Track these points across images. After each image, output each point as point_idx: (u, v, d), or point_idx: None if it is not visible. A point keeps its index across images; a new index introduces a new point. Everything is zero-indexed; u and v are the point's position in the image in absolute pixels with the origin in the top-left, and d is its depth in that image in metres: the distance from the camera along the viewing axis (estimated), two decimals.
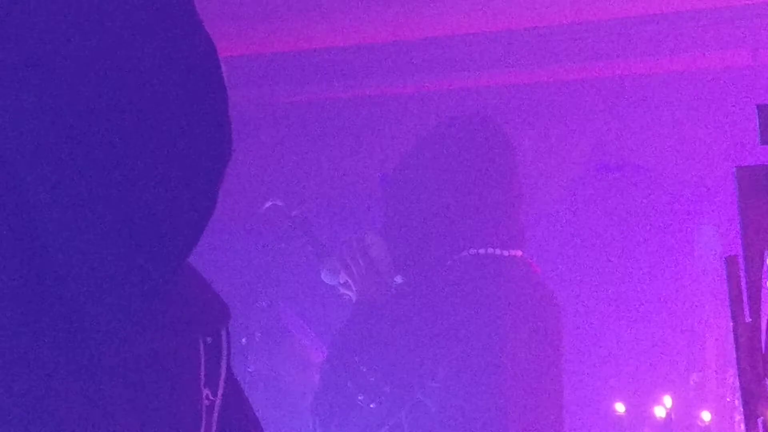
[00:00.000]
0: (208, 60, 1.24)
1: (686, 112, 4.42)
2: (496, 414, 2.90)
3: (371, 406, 2.99)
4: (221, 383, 1.40)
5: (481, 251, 3.04)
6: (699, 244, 4.36)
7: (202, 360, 1.38)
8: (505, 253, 3.05)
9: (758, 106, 1.64)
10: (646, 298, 4.46)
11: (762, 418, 1.58)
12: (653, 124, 4.49)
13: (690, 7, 3.98)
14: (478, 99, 4.45)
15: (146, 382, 1.30)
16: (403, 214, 3.11)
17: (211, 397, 1.38)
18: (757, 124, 1.63)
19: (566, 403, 3.10)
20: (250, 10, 3.95)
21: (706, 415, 4.06)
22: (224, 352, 1.42)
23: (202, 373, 1.38)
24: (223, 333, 1.43)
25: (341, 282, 3.17)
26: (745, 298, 1.59)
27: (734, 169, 1.63)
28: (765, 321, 1.59)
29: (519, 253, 3.07)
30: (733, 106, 4.20)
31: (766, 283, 1.60)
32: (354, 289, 3.13)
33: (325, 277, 3.21)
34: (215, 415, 1.39)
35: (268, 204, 3.47)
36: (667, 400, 4.10)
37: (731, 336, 1.61)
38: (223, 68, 1.26)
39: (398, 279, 3.13)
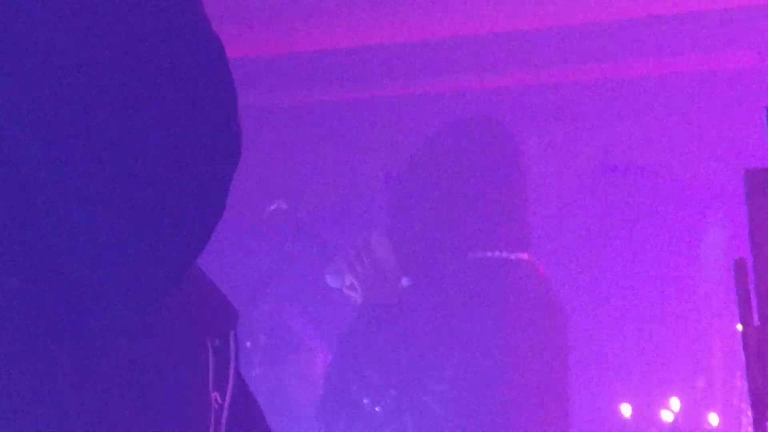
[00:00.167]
0: (217, 62, 1.24)
1: (694, 114, 4.41)
2: (502, 417, 2.90)
3: (376, 409, 2.98)
4: (230, 386, 1.40)
5: (488, 254, 3.03)
6: (706, 246, 4.35)
7: (211, 363, 1.38)
8: (512, 256, 3.04)
9: (766, 108, 1.63)
10: (653, 301, 4.45)
11: None
12: (660, 126, 4.49)
13: (697, 8, 3.98)
14: (484, 101, 4.45)
15: (154, 384, 1.30)
16: (408, 216, 3.10)
17: (220, 401, 1.38)
18: (765, 125, 1.62)
19: (573, 405, 3.10)
20: (257, 12, 3.95)
21: (713, 418, 4.05)
22: (232, 355, 1.41)
23: (211, 377, 1.38)
24: (232, 336, 1.42)
25: (347, 284, 3.16)
26: (753, 301, 1.58)
27: (742, 171, 1.62)
28: None
29: (525, 255, 3.06)
30: (741, 107, 4.19)
31: None
32: (359, 291, 3.12)
33: (330, 281, 3.20)
34: (224, 419, 1.38)
35: (272, 206, 3.47)
36: (675, 403, 4.09)
37: (739, 339, 1.60)
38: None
39: (404, 281, 3.12)
